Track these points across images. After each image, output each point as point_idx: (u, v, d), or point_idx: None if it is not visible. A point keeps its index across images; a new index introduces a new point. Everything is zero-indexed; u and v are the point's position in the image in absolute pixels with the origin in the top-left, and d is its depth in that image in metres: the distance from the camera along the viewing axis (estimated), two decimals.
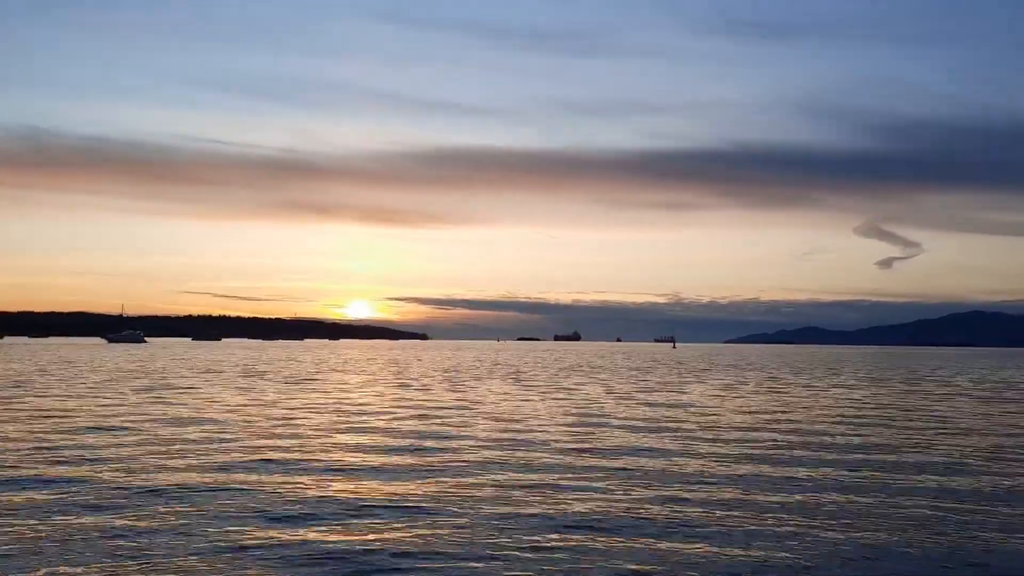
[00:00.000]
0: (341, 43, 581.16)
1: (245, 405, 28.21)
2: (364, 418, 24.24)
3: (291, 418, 23.96)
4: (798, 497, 12.85)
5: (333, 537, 10.04)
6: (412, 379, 47.31)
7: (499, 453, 17.17)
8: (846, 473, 15.26)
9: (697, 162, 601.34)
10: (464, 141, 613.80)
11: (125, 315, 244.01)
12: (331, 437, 19.63)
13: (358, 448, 17.74)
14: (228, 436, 19.46)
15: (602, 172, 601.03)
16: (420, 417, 24.78)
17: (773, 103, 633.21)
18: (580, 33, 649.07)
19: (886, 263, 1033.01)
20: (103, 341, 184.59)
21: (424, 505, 11.94)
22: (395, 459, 16.32)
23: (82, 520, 10.70)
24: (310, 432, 20.52)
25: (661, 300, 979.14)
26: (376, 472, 14.81)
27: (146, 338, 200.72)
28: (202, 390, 35.38)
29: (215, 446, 17.69)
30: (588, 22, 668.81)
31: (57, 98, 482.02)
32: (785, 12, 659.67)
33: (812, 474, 15.09)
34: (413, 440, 19.21)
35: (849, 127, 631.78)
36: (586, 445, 18.65)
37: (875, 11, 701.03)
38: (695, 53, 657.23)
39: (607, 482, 14.00)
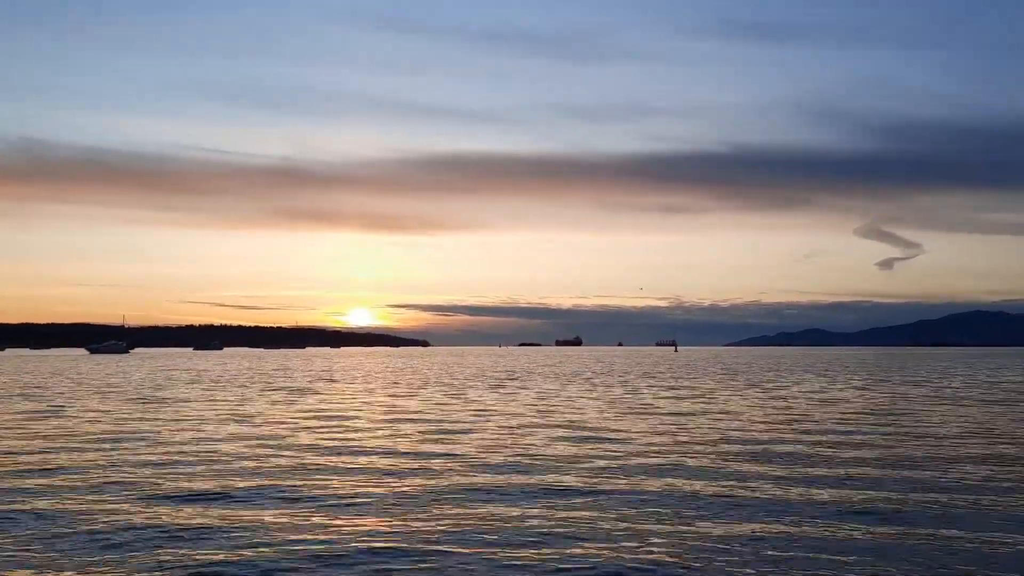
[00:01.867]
0: (339, 51, 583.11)
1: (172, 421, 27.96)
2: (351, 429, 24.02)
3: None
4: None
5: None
6: (409, 387, 47.10)
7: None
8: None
9: (696, 165, 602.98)
10: (463, 147, 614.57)
11: (126, 325, 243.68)
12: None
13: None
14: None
15: (601, 176, 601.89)
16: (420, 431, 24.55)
17: (772, 105, 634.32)
18: (578, 37, 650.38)
19: (887, 264, 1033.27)
20: (86, 352, 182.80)
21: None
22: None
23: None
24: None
25: (662, 304, 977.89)
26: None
27: (143, 348, 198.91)
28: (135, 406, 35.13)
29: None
30: (585, 26, 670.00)
31: (55, 108, 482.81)
32: (782, 14, 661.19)
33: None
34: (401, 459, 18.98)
35: (848, 128, 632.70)
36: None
37: (873, 13, 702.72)
38: (693, 56, 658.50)
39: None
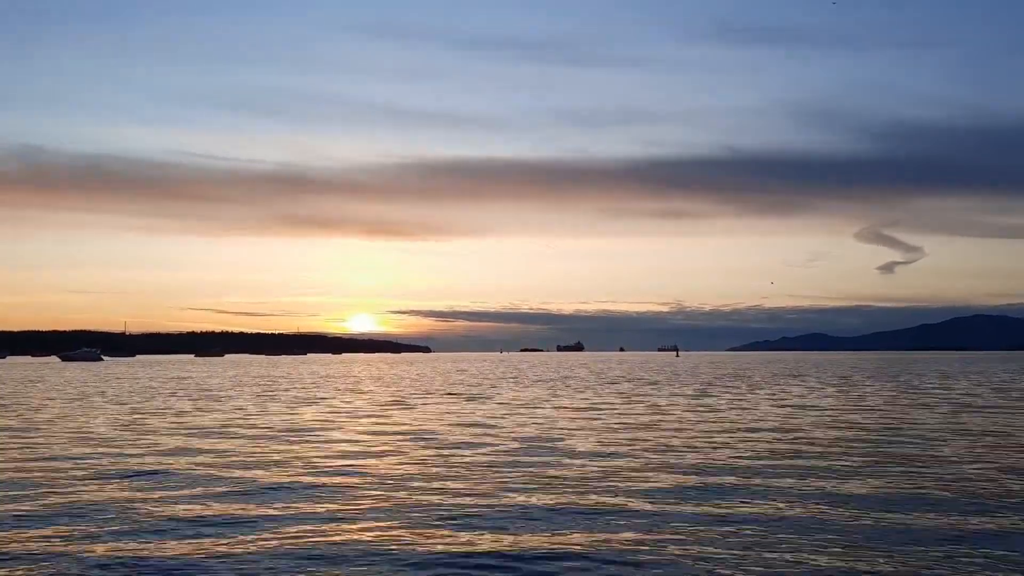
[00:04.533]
0: (337, 58, 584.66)
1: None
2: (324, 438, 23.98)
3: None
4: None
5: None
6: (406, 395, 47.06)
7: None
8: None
9: (696, 170, 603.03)
10: (462, 153, 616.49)
11: (128, 332, 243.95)
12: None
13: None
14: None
15: (601, 181, 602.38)
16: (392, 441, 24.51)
17: (771, 109, 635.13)
18: (576, 43, 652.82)
19: (888, 268, 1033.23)
20: (58, 359, 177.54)
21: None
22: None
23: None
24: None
25: (663, 309, 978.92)
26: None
27: (144, 355, 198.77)
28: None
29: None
30: (583, 32, 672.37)
31: (54, 116, 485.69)
32: (780, 17, 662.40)
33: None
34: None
35: (848, 132, 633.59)
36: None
37: (871, 15, 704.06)
38: (691, 60, 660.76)
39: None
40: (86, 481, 14.69)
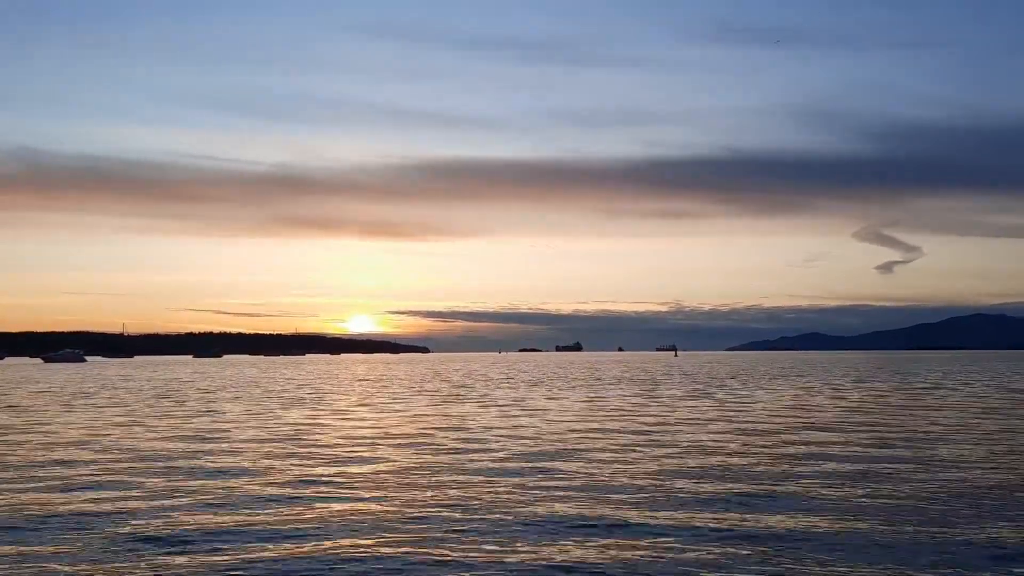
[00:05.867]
0: (336, 59, 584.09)
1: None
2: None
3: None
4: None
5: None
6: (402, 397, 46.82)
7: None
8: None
9: (695, 170, 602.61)
10: (461, 153, 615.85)
11: (126, 333, 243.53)
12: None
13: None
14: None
15: (600, 181, 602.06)
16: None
17: (770, 109, 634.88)
18: (575, 43, 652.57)
19: (886, 267, 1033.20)
20: (40, 361, 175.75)
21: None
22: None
23: None
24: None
25: (662, 309, 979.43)
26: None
27: (143, 356, 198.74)
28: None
29: None
30: (582, 32, 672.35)
31: (54, 117, 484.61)
32: (779, 18, 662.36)
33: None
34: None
35: (847, 132, 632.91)
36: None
37: (870, 15, 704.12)
38: (691, 61, 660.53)
39: None
40: None
